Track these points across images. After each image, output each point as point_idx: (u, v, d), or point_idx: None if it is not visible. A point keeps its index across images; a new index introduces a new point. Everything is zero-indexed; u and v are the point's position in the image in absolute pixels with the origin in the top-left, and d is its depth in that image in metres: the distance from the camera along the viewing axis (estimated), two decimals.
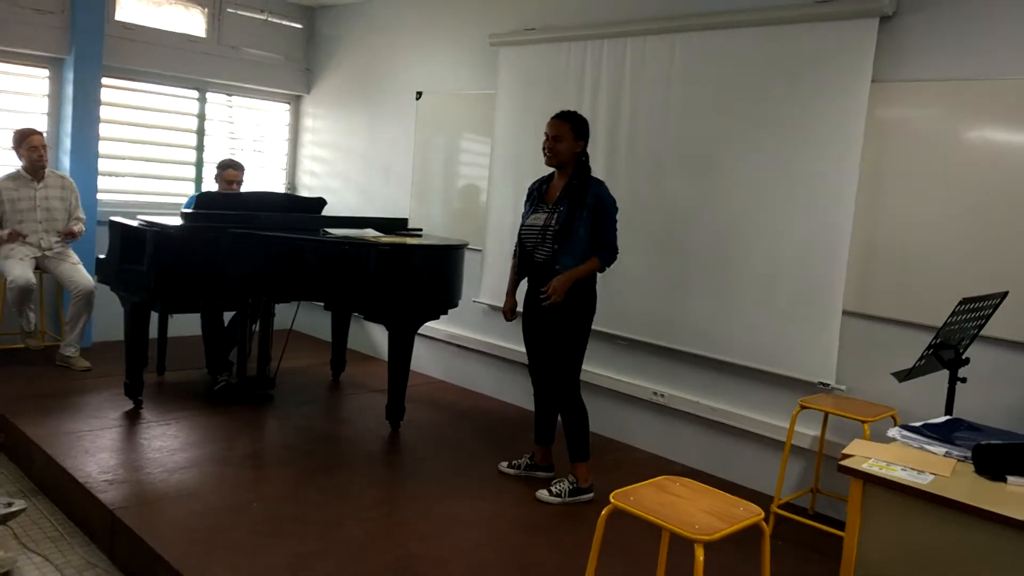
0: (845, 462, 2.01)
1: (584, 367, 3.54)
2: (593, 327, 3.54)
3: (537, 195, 3.61)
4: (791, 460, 3.59)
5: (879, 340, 3.50)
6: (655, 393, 4.25)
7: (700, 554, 1.98)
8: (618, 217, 3.51)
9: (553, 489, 3.53)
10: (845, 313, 3.55)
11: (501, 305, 3.86)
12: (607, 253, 3.48)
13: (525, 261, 3.62)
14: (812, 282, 3.62)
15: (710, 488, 2.30)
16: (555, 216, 3.47)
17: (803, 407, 3.26)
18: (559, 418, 3.65)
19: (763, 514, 2.16)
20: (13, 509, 3.07)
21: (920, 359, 2.75)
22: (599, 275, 3.53)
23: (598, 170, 4.26)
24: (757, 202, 3.81)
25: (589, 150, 3.57)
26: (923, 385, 2.98)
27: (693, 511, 2.12)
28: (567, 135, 3.48)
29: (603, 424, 4.39)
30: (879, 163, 3.48)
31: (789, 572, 3.03)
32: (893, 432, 2.24)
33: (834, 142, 3.55)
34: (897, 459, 2.02)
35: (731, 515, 2.12)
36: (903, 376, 2.78)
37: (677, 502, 2.18)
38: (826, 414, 3.42)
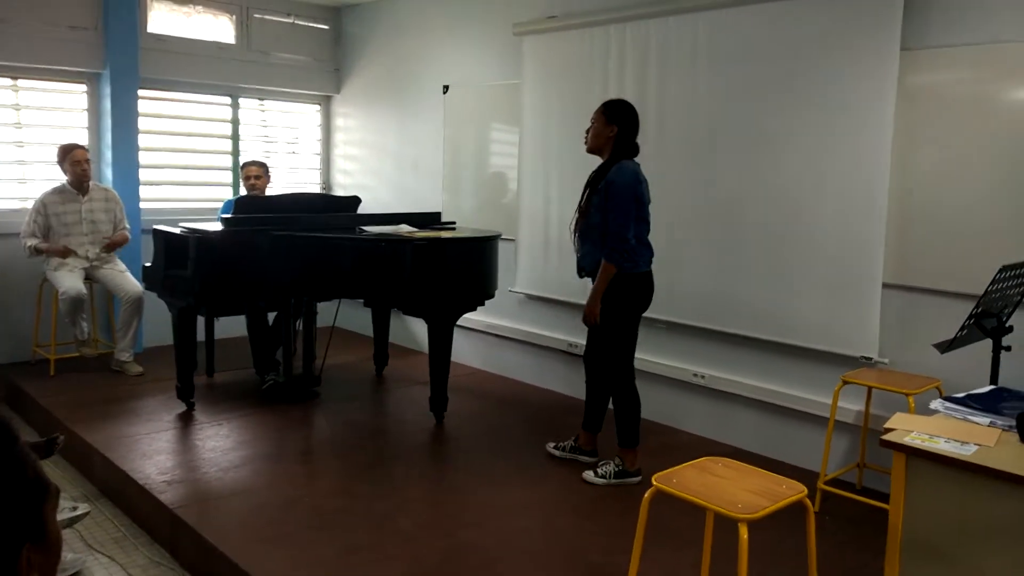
0: (887, 436, 2.01)
1: None
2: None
3: (586, 184, 3.60)
4: (837, 436, 3.56)
5: (921, 311, 3.45)
6: (695, 374, 4.25)
7: (744, 532, 2.01)
8: (645, 200, 3.45)
9: (599, 470, 3.56)
10: (885, 286, 3.51)
11: (536, 293, 3.87)
12: (610, 247, 3.37)
13: None
14: (850, 256, 3.59)
15: (753, 468, 2.31)
16: (580, 204, 3.53)
17: (845, 382, 3.25)
18: (610, 406, 3.67)
19: (806, 491, 2.17)
20: (78, 513, 3.20)
21: (961, 329, 2.72)
22: (653, 260, 3.49)
23: None
24: (790, 178, 3.77)
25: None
26: (968, 355, 2.94)
27: (736, 491, 2.14)
28: (599, 119, 3.49)
29: (647, 407, 4.38)
30: (913, 132, 3.42)
31: (836, 547, 3.03)
32: (936, 404, 2.23)
33: (866, 113, 3.50)
34: (940, 431, 2.01)
35: (774, 493, 2.13)
36: (945, 347, 2.75)
37: (720, 483, 2.20)
38: (870, 388, 3.40)
